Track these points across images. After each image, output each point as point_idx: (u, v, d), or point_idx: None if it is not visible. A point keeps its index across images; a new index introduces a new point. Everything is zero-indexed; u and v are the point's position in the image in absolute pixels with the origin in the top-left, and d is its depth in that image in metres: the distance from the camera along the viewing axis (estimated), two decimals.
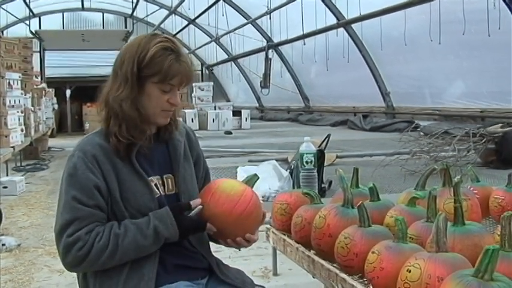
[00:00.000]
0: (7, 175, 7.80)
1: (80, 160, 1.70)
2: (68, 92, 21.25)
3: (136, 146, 1.76)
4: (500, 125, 6.73)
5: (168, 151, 1.87)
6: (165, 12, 19.11)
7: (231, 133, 12.56)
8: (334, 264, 2.04)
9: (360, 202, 2.01)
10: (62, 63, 21.61)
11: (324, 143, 4.96)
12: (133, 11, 20.11)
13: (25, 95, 9.19)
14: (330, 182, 4.50)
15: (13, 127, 7.64)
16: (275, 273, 3.78)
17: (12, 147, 7.42)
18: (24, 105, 8.91)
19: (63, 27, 22.50)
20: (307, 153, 3.24)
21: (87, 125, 18.84)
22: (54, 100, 15.52)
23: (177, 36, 19.57)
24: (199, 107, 15.70)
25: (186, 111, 13.67)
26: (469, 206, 2.28)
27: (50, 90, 14.85)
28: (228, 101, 21.05)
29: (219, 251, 2.00)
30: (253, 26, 16.51)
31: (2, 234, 4.87)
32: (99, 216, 1.69)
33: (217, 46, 20.24)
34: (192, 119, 13.97)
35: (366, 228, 1.95)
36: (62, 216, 1.68)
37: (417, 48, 10.77)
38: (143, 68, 1.71)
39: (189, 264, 1.81)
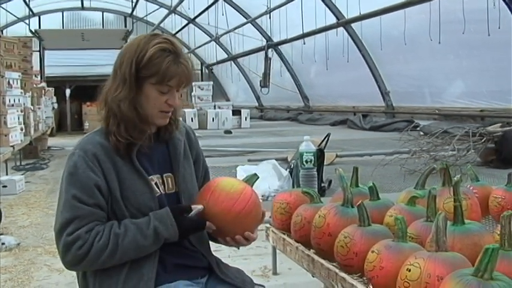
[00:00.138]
0: (7, 174, 7.80)
1: (81, 159, 1.70)
2: (68, 91, 21.26)
3: (137, 145, 1.76)
4: (499, 124, 6.73)
5: (168, 150, 1.87)
6: (165, 11, 19.10)
7: (230, 132, 12.55)
8: (334, 264, 2.04)
9: (360, 201, 2.01)
10: (62, 63, 21.60)
11: (324, 142, 4.96)
12: (133, 10, 20.11)
13: (25, 94, 9.19)
14: (330, 181, 4.50)
15: (13, 126, 7.64)
16: (275, 273, 3.79)
17: (11, 146, 7.42)
18: (24, 104, 8.91)
19: (63, 27, 22.50)
20: (306, 153, 3.24)
21: (86, 124, 18.84)
22: (54, 99, 15.53)
23: (177, 35, 19.57)
24: (198, 106, 15.69)
25: (185, 110, 13.67)
26: (469, 205, 2.28)
27: (50, 89, 14.87)
28: (228, 100, 21.04)
29: (219, 250, 2.00)
30: (253, 25, 16.50)
31: (2, 234, 4.87)
32: (99, 215, 1.70)
33: (217, 45, 20.23)
34: (192, 118, 13.96)
35: (365, 228, 1.96)
36: (62, 214, 1.68)
37: (417, 48, 10.76)
38: (141, 69, 1.71)
39: (189, 264, 1.82)
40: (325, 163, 4.55)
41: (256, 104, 20.39)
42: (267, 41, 16.41)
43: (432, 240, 1.66)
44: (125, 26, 22.24)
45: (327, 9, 12.39)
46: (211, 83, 17.83)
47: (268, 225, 2.69)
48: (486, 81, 9.67)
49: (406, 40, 10.03)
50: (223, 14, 15.26)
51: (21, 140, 8.22)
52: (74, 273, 1.84)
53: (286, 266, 3.73)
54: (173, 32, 19.23)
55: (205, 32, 19.90)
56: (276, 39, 15.98)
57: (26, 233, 5.11)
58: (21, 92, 8.74)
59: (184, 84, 1.77)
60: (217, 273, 1.85)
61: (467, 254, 1.67)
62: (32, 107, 9.73)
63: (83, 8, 22.07)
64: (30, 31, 18.47)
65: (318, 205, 2.32)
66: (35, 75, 12.18)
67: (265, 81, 15.82)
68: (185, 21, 19.60)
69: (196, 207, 1.76)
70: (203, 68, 24.01)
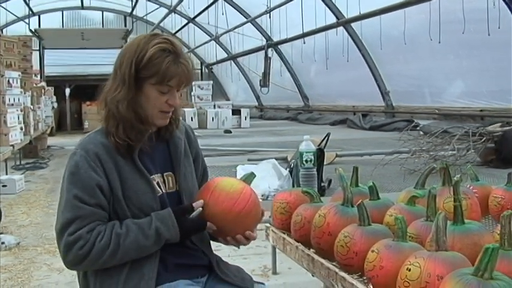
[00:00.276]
0: (6, 174, 7.80)
1: (82, 158, 1.70)
2: (68, 91, 21.26)
3: (138, 145, 1.76)
4: (499, 124, 6.73)
5: (168, 149, 1.87)
6: (165, 10, 19.09)
7: (230, 132, 12.55)
8: (334, 263, 2.04)
9: (360, 201, 2.01)
10: (62, 62, 21.61)
11: (324, 141, 4.96)
12: (132, 10, 20.10)
13: (24, 93, 9.19)
14: (330, 181, 4.50)
15: (12, 125, 7.64)
16: (274, 272, 3.79)
17: (11, 145, 7.42)
18: (24, 103, 8.91)
19: (63, 26, 22.51)
20: (306, 152, 3.24)
21: (86, 124, 18.84)
22: (54, 98, 15.52)
23: (177, 35, 19.57)
24: (198, 106, 15.69)
25: (185, 110, 13.67)
26: (469, 205, 2.28)
27: (50, 88, 14.86)
28: (228, 99, 21.05)
29: (219, 250, 2.01)
30: (253, 25, 16.50)
31: (2, 233, 4.87)
32: (101, 215, 1.70)
33: (217, 45, 20.23)
34: (192, 118, 13.97)
35: (365, 227, 1.95)
36: (63, 214, 1.68)
37: (417, 48, 10.77)
38: (141, 69, 1.71)
39: (190, 262, 1.82)
40: (325, 163, 4.55)
41: (256, 104, 20.39)
42: (266, 41, 16.41)
43: (432, 240, 1.65)
44: (125, 26, 22.25)
45: (327, 8, 12.39)
46: (211, 82, 17.84)
47: (268, 224, 2.69)
48: (486, 81, 9.68)
49: (406, 40, 10.03)
50: (223, 14, 15.26)
51: (21, 139, 8.21)
52: (74, 272, 1.84)
53: (286, 265, 3.73)
54: (173, 32, 19.23)
55: (205, 32, 19.90)
56: (275, 39, 15.99)
57: (25, 232, 5.11)
58: (21, 91, 8.74)
59: (185, 84, 1.76)
60: (217, 272, 1.85)
61: (467, 253, 1.67)
62: (31, 106, 9.73)
63: (82, 7, 22.07)
64: (30, 30, 18.46)
65: (318, 205, 2.32)
66: (35, 75, 12.17)
67: (265, 80, 15.82)
68: (185, 21, 19.60)
69: (197, 204, 1.75)
70: (203, 67, 24.01)
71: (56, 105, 16.45)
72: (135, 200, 1.73)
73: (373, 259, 1.76)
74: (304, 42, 13.66)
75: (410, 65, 11.64)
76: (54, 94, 15.84)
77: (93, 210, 1.68)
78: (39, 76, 14.38)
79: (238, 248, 1.90)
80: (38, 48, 18.85)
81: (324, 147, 4.80)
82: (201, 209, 1.75)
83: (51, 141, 13.43)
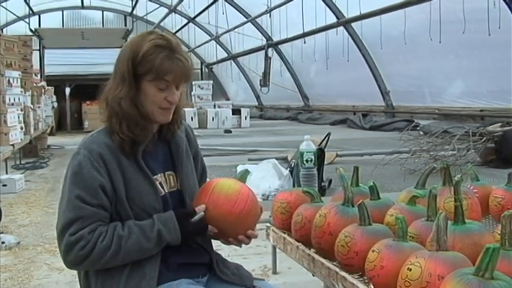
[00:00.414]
0: (6, 173, 7.80)
1: (86, 158, 1.70)
2: (68, 90, 21.24)
3: (142, 145, 1.76)
4: (499, 124, 6.74)
5: (169, 148, 1.88)
6: (165, 10, 19.09)
7: (230, 132, 12.55)
8: (335, 263, 2.04)
9: (360, 201, 2.01)
10: (62, 61, 21.60)
11: (324, 141, 4.96)
12: (133, 9, 20.09)
13: (25, 93, 9.19)
14: (330, 181, 4.50)
15: (13, 125, 7.64)
16: (274, 272, 3.79)
17: (11, 145, 7.42)
18: (24, 103, 8.91)
19: (63, 26, 22.51)
20: (307, 152, 3.24)
21: (86, 123, 18.84)
22: (54, 98, 15.52)
23: (177, 34, 19.54)
24: (198, 106, 15.69)
25: (185, 109, 13.67)
26: (469, 204, 2.28)
27: (50, 88, 14.85)
28: (228, 99, 21.04)
29: (219, 249, 2.01)
30: (253, 24, 16.50)
31: (2, 232, 4.87)
32: (102, 215, 1.70)
33: (217, 45, 20.23)
34: (192, 118, 13.97)
35: (366, 227, 1.95)
36: (64, 214, 1.68)
37: (417, 48, 10.77)
38: (137, 66, 1.71)
39: (191, 261, 1.82)
40: (325, 162, 4.55)
41: (256, 103, 20.39)
42: (267, 40, 16.41)
43: (433, 240, 1.65)
44: (125, 25, 22.24)
45: (327, 8, 12.39)
46: (211, 82, 17.84)
47: (268, 224, 2.69)
48: (486, 81, 9.68)
49: (406, 40, 10.03)
50: (223, 13, 15.26)
51: (21, 139, 8.21)
52: (74, 272, 1.84)
53: (286, 265, 3.74)
54: (173, 31, 19.20)
55: (205, 31, 19.90)
56: (276, 39, 15.99)
57: (25, 231, 5.11)
58: (21, 91, 8.74)
59: (184, 79, 1.76)
60: (217, 272, 1.85)
61: (468, 253, 1.67)
62: (32, 106, 9.73)
63: (83, 6, 22.06)
64: (30, 30, 18.47)
65: (319, 204, 2.32)
66: (35, 74, 12.16)
67: (265, 80, 15.82)
68: (185, 20, 19.60)
69: (200, 209, 1.75)
70: (203, 67, 24.01)
71: (56, 104, 16.45)
72: (138, 200, 1.73)
73: (373, 259, 1.76)
74: (305, 42, 13.66)
75: (410, 65, 11.65)
76: (54, 94, 15.84)
77: (95, 210, 1.68)
78: (39, 76, 14.37)
79: (240, 247, 1.90)
80: (38, 48, 18.87)
81: (325, 147, 4.80)
82: (203, 213, 1.75)
83: (51, 140, 13.43)
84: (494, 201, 2.58)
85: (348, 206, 2.14)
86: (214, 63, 22.82)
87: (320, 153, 4.14)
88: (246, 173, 1.92)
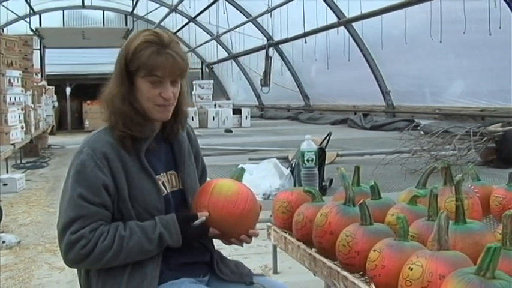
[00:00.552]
0: (7, 172, 7.80)
1: (89, 157, 1.69)
2: (68, 90, 21.24)
3: (146, 144, 1.76)
4: (500, 124, 6.74)
5: (172, 148, 1.87)
6: (166, 10, 19.09)
7: (231, 131, 12.56)
8: (336, 262, 2.04)
9: (361, 200, 2.01)
10: (62, 61, 21.60)
11: (325, 141, 4.96)
12: (133, 9, 20.10)
13: (25, 92, 9.19)
14: (331, 181, 4.50)
15: (13, 124, 7.64)
16: (275, 271, 3.78)
17: (12, 144, 7.42)
18: (25, 102, 8.91)
19: (64, 25, 22.50)
20: (308, 152, 3.25)
21: (87, 123, 18.84)
22: (54, 98, 15.52)
23: (178, 34, 19.57)
24: (199, 105, 15.69)
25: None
26: (470, 204, 2.28)
27: (50, 87, 14.85)
28: (228, 99, 21.05)
29: (220, 248, 2.00)
30: (254, 24, 16.49)
31: (2, 232, 4.87)
32: (104, 214, 1.69)
33: (218, 44, 20.23)
34: (193, 117, 13.98)
35: (367, 226, 1.96)
36: (66, 213, 1.67)
37: (418, 47, 10.76)
38: (129, 62, 1.72)
39: (192, 260, 1.82)
40: (326, 162, 4.55)
41: (257, 103, 20.39)
42: (267, 40, 16.41)
43: (434, 239, 1.66)
44: (126, 25, 22.24)
45: (328, 8, 12.39)
46: (212, 81, 17.84)
47: (269, 224, 2.69)
48: (487, 81, 9.68)
49: (407, 39, 10.03)
50: (224, 13, 15.27)
51: (22, 138, 8.21)
52: (75, 271, 1.84)
53: (286, 264, 3.73)
54: (174, 31, 19.21)
55: (206, 31, 19.90)
56: (276, 38, 15.99)
57: (26, 231, 5.10)
58: (22, 90, 8.73)
59: (174, 74, 1.73)
60: (217, 272, 1.85)
61: (469, 253, 1.68)
62: (32, 105, 9.73)
63: (83, 6, 22.07)
64: (31, 29, 18.46)
65: (320, 204, 2.32)
66: (36, 74, 12.17)
67: (265, 80, 15.83)
68: (186, 20, 19.60)
69: (202, 217, 1.75)
70: (204, 66, 24.01)
71: (56, 104, 16.46)
72: (140, 199, 1.73)
73: (375, 258, 1.76)
74: (305, 42, 13.66)
75: (411, 64, 11.64)
76: (55, 93, 15.84)
77: (96, 209, 1.67)
78: (40, 75, 14.36)
79: (242, 246, 1.90)
80: (38, 47, 18.86)
81: (325, 146, 4.79)
82: (204, 218, 1.74)
83: (51, 140, 13.43)
84: (495, 200, 2.59)
85: (349, 205, 2.14)
86: (214, 63, 22.82)
87: (321, 153, 4.15)
88: (242, 171, 1.92)
